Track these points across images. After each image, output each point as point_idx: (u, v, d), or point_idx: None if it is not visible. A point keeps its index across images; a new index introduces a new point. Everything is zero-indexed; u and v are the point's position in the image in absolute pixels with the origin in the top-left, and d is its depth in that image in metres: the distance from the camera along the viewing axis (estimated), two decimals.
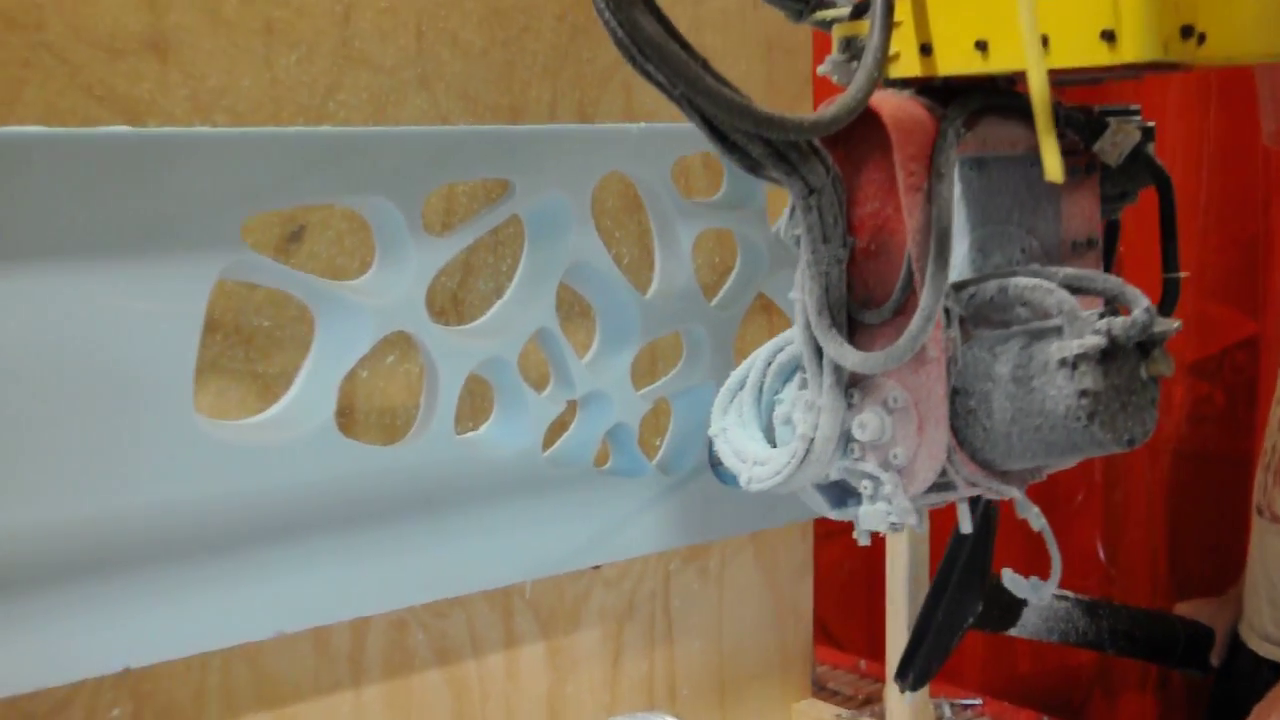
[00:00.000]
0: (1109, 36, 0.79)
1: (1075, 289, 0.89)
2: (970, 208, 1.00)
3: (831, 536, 1.58)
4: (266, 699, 1.10)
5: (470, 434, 1.16)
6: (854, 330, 0.90)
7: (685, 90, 0.76)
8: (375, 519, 1.06)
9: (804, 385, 0.94)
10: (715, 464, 1.25)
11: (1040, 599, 0.99)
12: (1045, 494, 1.15)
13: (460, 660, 1.22)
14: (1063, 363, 0.84)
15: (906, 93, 0.90)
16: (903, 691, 1.16)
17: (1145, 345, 0.86)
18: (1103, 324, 0.84)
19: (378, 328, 1.05)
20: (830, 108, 0.82)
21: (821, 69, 0.91)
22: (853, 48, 0.88)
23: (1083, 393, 0.84)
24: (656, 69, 0.75)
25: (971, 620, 1.07)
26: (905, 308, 0.88)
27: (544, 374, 1.18)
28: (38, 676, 0.93)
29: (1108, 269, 0.99)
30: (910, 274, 0.87)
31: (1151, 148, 0.97)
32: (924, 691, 1.36)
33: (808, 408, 0.92)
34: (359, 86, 1.12)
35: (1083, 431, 0.84)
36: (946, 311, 0.88)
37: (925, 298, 0.84)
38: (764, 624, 1.45)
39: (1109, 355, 0.84)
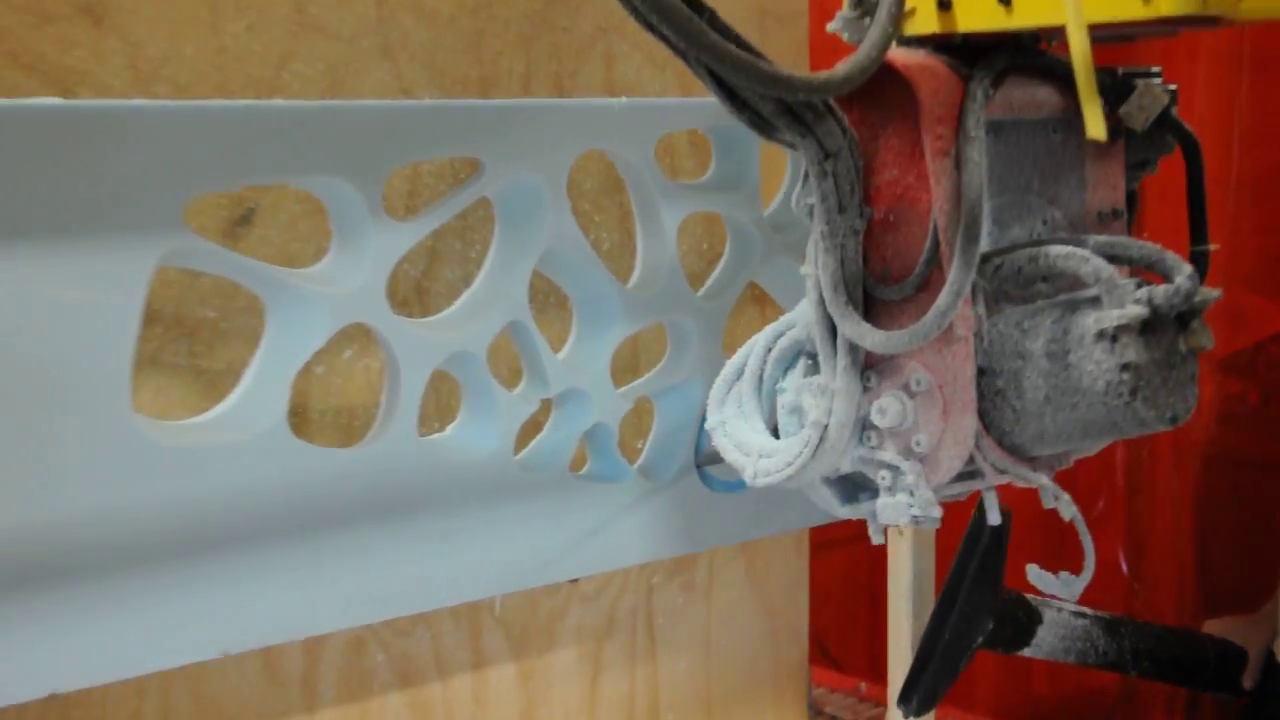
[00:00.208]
0: None
1: (1111, 257, 0.89)
2: (986, 176, 1.00)
3: (829, 547, 1.59)
4: None
5: (435, 435, 1.16)
6: (870, 308, 0.90)
7: (687, 46, 0.76)
8: (331, 528, 1.06)
9: (809, 372, 0.95)
10: (701, 465, 1.25)
11: (1072, 595, 0.99)
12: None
13: (424, 683, 1.22)
14: (1101, 335, 0.85)
15: (923, 51, 0.90)
16: (906, 717, 1.17)
17: (1183, 317, 0.86)
18: (1143, 292, 0.85)
19: (334, 319, 1.04)
20: (843, 66, 0.82)
21: (831, 26, 0.91)
22: (865, 2, 0.88)
23: (1124, 366, 0.84)
24: (659, 22, 0.75)
25: (981, 639, 1.07)
26: (928, 283, 0.88)
27: (516, 370, 1.18)
28: None
29: None
30: (935, 246, 0.88)
31: (1175, 111, 0.97)
32: (929, 717, 1.36)
33: (820, 392, 0.92)
34: (314, 56, 1.11)
35: (1124, 409, 0.85)
36: (972, 286, 0.88)
37: (955, 271, 0.85)
38: (755, 642, 1.45)
39: (1149, 326, 0.85)
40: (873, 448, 0.92)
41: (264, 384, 1.03)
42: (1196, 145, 0.99)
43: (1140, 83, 0.94)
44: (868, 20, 0.87)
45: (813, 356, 1.01)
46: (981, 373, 0.89)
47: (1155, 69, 0.97)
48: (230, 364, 1.08)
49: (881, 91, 0.86)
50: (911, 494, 0.91)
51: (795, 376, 0.99)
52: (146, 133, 0.94)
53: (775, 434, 1.02)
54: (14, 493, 0.92)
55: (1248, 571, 1.97)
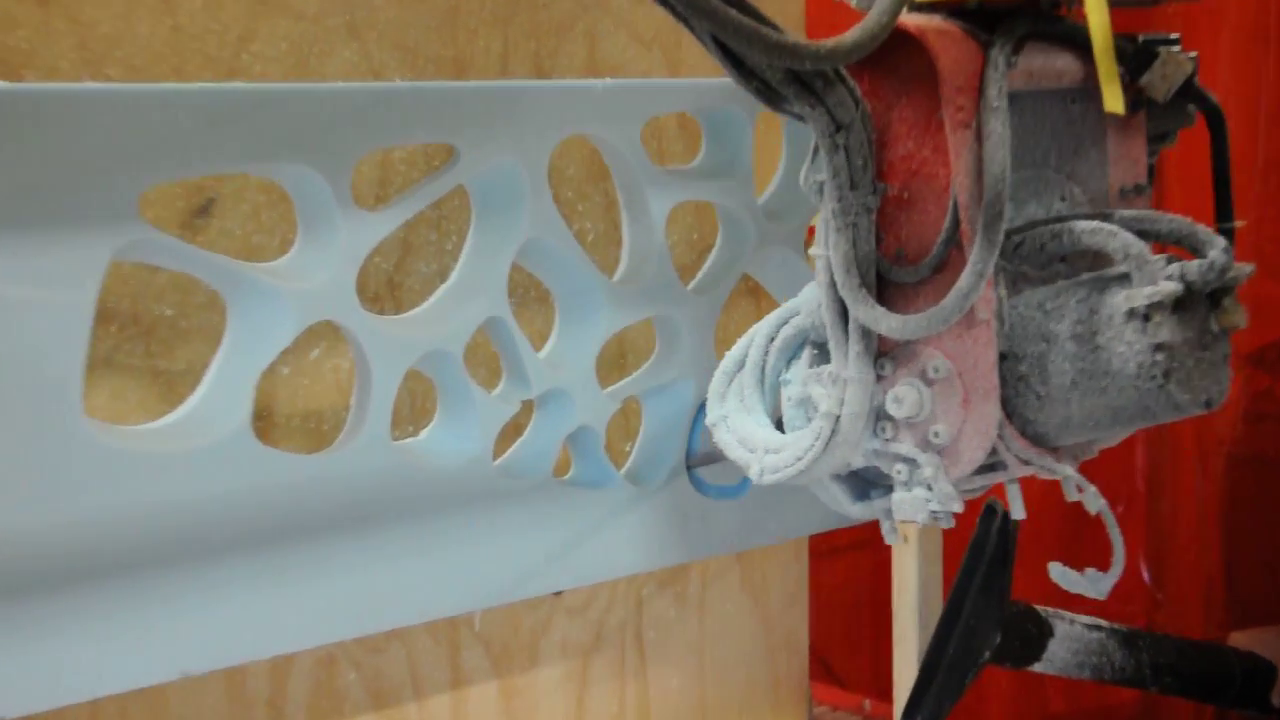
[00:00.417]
0: None
1: (1139, 232, 0.90)
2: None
3: (830, 555, 1.59)
4: None
5: (409, 440, 1.16)
6: (883, 291, 0.91)
7: (690, 13, 0.77)
8: (298, 539, 1.06)
9: (815, 361, 0.95)
10: (693, 467, 1.25)
11: (1100, 594, 0.99)
12: (1078, 506, 1.16)
13: (399, 703, 1.22)
14: (1132, 314, 0.86)
15: (938, 16, 0.90)
16: None
17: (1215, 295, 0.87)
18: (1175, 268, 0.85)
19: (301, 317, 1.04)
20: (852, 33, 0.82)
21: None
22: None
23: (1157, 347, 0.85)
24: None
25: (989, 654, 1.08)
26: (947, 263, 0.89)
27: (495, 370, 1.19)
28: None
29: None
30: (954, 224, 0.88)
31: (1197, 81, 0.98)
32: None
33: (831, 381, 0.93)
34: (277, 35, 1.12)
35: (1157, 392, 0.85)
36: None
37: (977, 250, 0.85)
38: (752, 658, 1.45)
39: (1182, 304, 0.85)
40: (887, 440, 0.93)
41: (226, 386, 1.03)
42: (1221, 116, 0.99)
43: (1163, 51, 0.95)
44: None
45: (818, 345, 1.01)
46: (1002, 358, 0.90)
47: (1174, 35, 0.98)
48: (190, 365, 1.08)
49: (895, 60, 0.87)
50: (930, 488, 0.92)
51: (800, 367, 1.00)
52: (98, 118, 0.94)
53: (779, 429, 1.02)
54: None
55: (1277, 580, 1.98)
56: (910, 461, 0.92)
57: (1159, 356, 0.85)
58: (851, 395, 0.92)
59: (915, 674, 1.26)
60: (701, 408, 1.22)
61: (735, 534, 1.32)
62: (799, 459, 0.95)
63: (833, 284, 0.91)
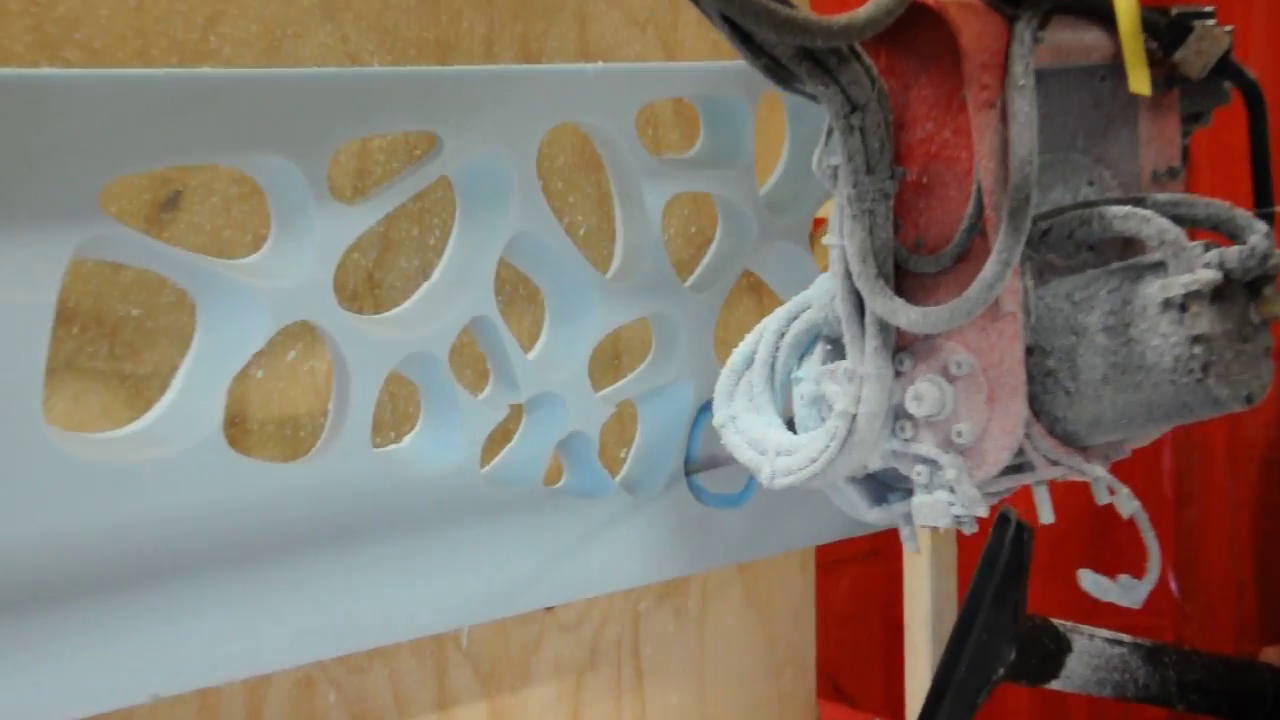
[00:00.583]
0: None
1: (1174, 217, 0.89)
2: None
3: (838, 566, 1.59)
4: None
5: (391, 447, 1.16)
6: (902, 282, 0.91)
7: None
8: (274, 552, 1.06)
9: (828, 358, 0.95)
10: (692, 474, 1.25)
11: (1134, 602, 0.99)
12: (1102, 513, 1.16)
13: None
14: (1168, 304, 0.85)
15: None
16: None
17: (1255, 283, 0.87)
18: (1213, 255, 0.85)
19: (275, 317, 1.04)
20: (867, 7, 0.82)
21: None
22: None
23: (1195, 339, 0.85)
24: None
25: (1003, 671, 1.08)
26: (969, 252, 0.89)
27: (482, 372, 1.18)
28: None
29: None
30: (977, 211, 0.88)
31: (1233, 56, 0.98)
32: None
33: (847, 378, 0.92)
34: (247, 17, 1.11)
35: (1196, 387, 0.85)
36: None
37: (1003, 238, 0.85)
38: (755, 675, 1.45)
39: (1221, 293, 0.85)
40: (907, 440, 0.93)
41: (195, 391, 1.03)
42: (1260, 93, 0.99)
43: (1198, 24, 0.95)
44: None
45: (832, 341, 1.01)
46: (1029, 352, 0.90)
47: (1208, 9, 0.98)
48: (157, 368, 1.08)
49: (913, 35, 0.87)
50: (952, 491, 0.92)
51: (813, 364, 1.00)
52: (57, 106, 0.94)
53: (791, 430, 1.02)
54: None
55: None
56: (931, 463, 0.92)
57: (1197, 349, 0.85)
58: (868, 393, 0.91)
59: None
60: (701, 411, 1.22)
61: (737, 544, 1.32)
62: (813, 461, 0.95)
63: (848, 275, 0.91)
